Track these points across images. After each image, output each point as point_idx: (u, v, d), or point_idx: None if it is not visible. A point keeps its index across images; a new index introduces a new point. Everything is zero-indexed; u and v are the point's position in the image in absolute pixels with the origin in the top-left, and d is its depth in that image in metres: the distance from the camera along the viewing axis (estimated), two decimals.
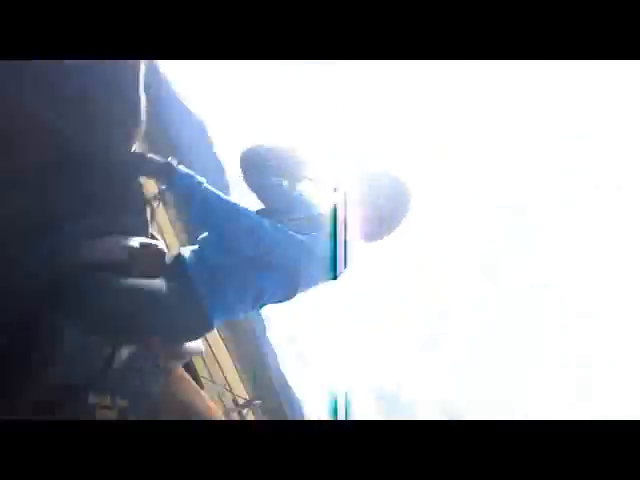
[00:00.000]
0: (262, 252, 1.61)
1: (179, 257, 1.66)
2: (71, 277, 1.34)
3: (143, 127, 1.52)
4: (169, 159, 1.58)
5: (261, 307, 1.76)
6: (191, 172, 1.61)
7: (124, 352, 1.41)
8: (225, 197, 1.61)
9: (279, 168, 1.75)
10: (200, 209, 1.59)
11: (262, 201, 1.76)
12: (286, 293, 1.75)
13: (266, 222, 1.62)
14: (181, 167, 1.60)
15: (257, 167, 1.73)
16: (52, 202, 1.36)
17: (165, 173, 1.58)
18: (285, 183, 1.75)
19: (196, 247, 1.71)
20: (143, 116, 1.48)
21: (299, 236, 1.64)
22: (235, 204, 1.62)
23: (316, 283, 1.79)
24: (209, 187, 1.61)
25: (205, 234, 1.73)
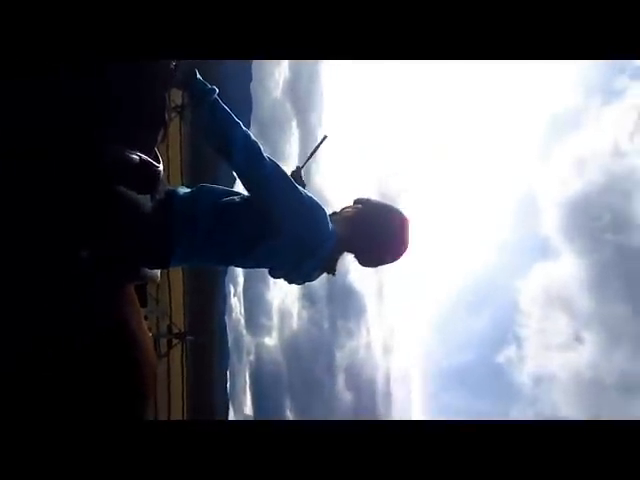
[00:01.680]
0: (254, 180, 1.59)
1: (173, 191, 1.66)
2: (60, 166, 1.33)
3: None
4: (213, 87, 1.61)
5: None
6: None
7: (83, 253, 1.41)
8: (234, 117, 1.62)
9: None
10: (211, 111, 1.59)
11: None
12: (256, 265, 1.75)
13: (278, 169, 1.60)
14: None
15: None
16: (75, 84, 1.34)
17: (187, 76, 1.59)
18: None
19: (190, 190, 1.70)
20: None
21: (306, 193, 1.62)
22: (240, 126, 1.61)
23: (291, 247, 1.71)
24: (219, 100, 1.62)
25: (204, 185, 1.73)
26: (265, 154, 1.60)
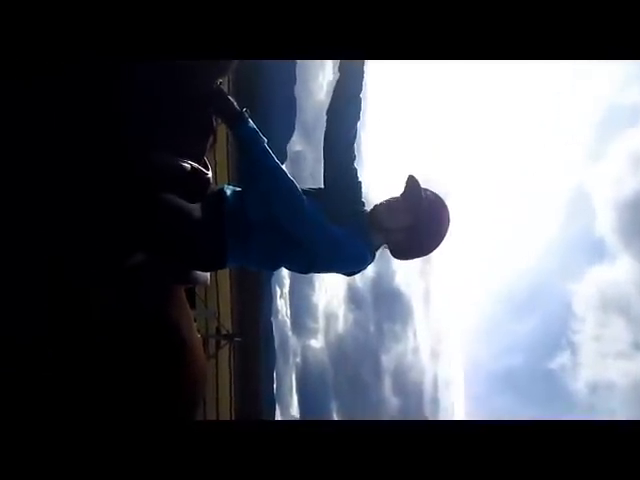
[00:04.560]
0: (294, 228, 1.63)
1: (221, 192, 1.70)
2: (118, 176, 1.39)
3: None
4: (244, 110, 1.60)
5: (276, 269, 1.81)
6: (256, 129, 1.61)
7: (139, 258, 1.46)
8: (277, 163, 1.61)
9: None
10: (251, 166, 1.63)
11: (329, 175, 1.81)
12: (302, 270, 1.78)
13: (307, 203, 1.63)
14: (250, 121, 1.60)
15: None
16: (131, 101, 1.40)
17: (234, 120, 1.60)
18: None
19: (239, 190, 1.74)
20: None
21: (332, 227, 1.65)
22: (284, 175, 1.62)
23: (333, 271, 1.81)
24: (268, 148, 1.61)
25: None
26: (302, 196, 1.62)
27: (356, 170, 1.84)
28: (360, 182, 1.85)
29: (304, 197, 1.63)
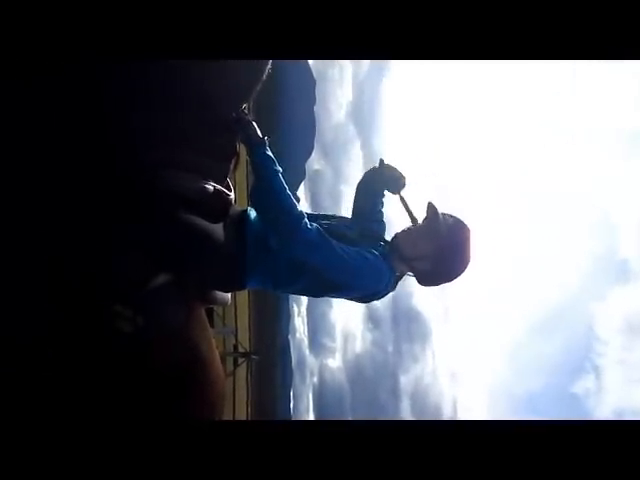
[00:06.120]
0: (297, 251, 1.61)
1: (244, 214, 1.71)
2: (142, 196, 1.43)
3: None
4: (265, 138, 1.60)
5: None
6: (273, 158, 1.61)
7: (161, 277, 1.49)
8: (285, 188, 1.60)
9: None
10: (261, 192, 1.61)
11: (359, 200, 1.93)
12: (318, 295, 1.82)
13: (314, 233, 1.60)
14: (269, 150, 1.61)
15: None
16: (157, 122, 1.44)
17: (254, 144, 1.60)
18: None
19: None
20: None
21: (344, 247, 1.63)
22: (290, 200, 1.59)
23: (351, 292, 1.79)
24: (282, 179, 1.60)
25: None
26: (308, 225, 1.59)
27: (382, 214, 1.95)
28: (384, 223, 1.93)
29: (307, 221, 1.60)
